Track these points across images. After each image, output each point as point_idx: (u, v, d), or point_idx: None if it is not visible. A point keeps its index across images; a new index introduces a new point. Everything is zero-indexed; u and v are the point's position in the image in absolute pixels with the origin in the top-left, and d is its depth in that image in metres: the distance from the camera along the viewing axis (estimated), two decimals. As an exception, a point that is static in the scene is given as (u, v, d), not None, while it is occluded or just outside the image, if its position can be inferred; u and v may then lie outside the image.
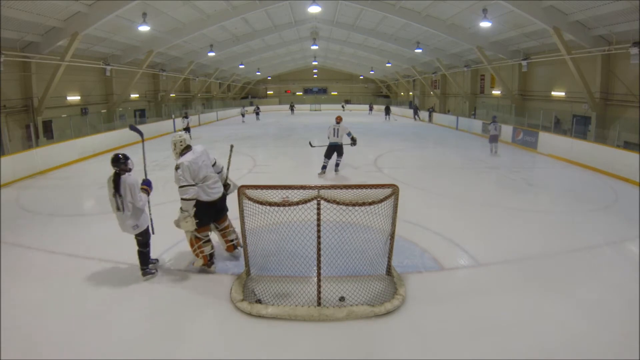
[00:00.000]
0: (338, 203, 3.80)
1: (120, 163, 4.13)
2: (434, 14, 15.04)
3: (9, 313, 3.58)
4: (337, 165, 9.23)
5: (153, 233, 4.44)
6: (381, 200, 3.82)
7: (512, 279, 4.30)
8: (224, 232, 4.62)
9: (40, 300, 3.84)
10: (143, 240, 4.31)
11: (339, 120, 9.29)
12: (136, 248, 4.29)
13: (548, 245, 5.19)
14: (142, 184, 4.27)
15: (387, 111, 28.95)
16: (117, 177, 4.10)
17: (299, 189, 3.70)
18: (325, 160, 8.96)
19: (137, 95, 21.04)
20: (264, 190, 3.74)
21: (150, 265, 4.43)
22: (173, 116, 20.82)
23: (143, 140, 4.91)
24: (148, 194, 4.30)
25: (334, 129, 8.95)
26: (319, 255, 3.72)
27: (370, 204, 3.85)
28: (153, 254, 4.55)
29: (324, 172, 8.88)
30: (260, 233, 4.08)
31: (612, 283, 4.18)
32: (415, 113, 28.02)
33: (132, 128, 5.00)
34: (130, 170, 4.19)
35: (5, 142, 10.86)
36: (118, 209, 4.14)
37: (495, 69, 17.95)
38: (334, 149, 8.94)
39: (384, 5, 14.84)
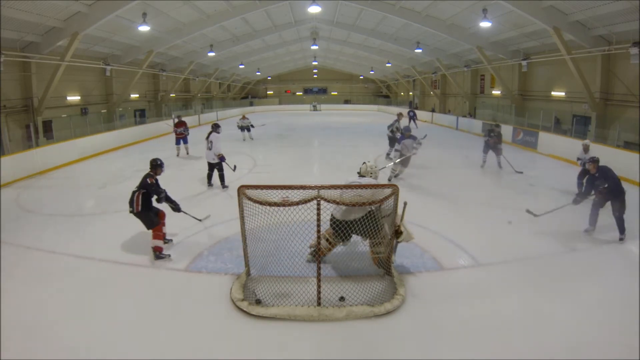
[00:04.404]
0: (338, 203, 3.81)
1: (217, 127, 8.13)
2: (434, 14, 15.03)
3: (9, 313, 3.58)
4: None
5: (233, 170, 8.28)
6: (381, 200, 3.82)
7: (512, 279, 4.30)
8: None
9: (40, 300, 3.85)
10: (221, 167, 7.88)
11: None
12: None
13: (548, 245, 5.19)
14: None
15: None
16: (210, 133, 7.90)
17: (299, 189, 3.71)
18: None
19: (137, 95, 21.04)
20: (264, 190, 3.74)
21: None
22: (173, 116, 20.80)
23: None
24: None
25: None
26: (318, 251, 3.73)
27: (370, 204, 3.85)
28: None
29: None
30: (260, 233, 4.08)
31: (612, 283, 4.18)
32: (413, 119, 21.69)
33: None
34: (219, 132, 8.00)
35: (5, 142, 10.86)
36: (209, 148, 7.78)
37: (495, 69, 17.95)
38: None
39: (384, 5, 14.84)
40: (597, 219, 5.64)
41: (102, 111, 17.32)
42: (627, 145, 10.72)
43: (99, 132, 14.17)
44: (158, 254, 4.76)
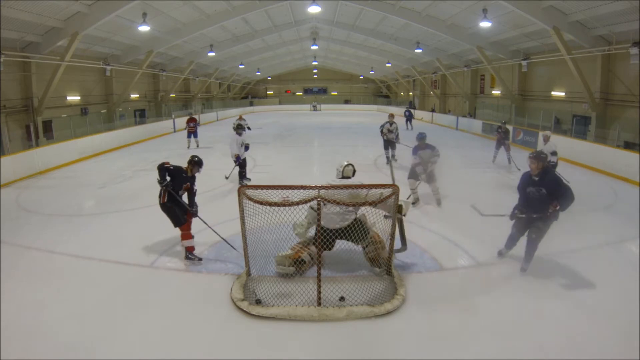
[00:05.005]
0: (338, 203, 3.81)
1: (240, 128, 8.71)
2: (434, 14, 15.03)
3: (9, 313, 3.58)
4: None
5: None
6: (381, 201, 3.82)
7: (512, 279, 4.29)
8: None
9: (40, 300, 3.84)
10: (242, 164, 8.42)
11: None
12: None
13: (548, 245, 5.17)
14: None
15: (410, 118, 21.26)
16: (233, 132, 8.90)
17: (299, 189, 3.71)
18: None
19: (137, 95, 21.04)
20: (264, 190, 3.74)
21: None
22: (173, 116, 20.83)
23: None
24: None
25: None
26: (319, 255, 3.72)
27: (370, 204, 3.85)
28: (155, 251, 4.55)
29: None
30: (260, 233, 4.08)
31: (612, 283, 4.18)
32: (409, 120, 21.18)
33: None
34: (240, 133, 8.47)
35: (5, 142, 10.86)
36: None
37: (495, 69, 17.95)
38: None
39: (384, 5, 14.84)
40: (516, 242, 4.50)
41: (102, 111, 17.33)
42: (627, 145, 10.73)
43: (99, 132, 14.18)
44: (188, 254, 4.61)
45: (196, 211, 4.80)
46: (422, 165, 6.83)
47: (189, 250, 4.64)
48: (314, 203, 3.94)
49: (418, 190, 7.01)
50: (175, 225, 4.64)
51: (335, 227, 4.14)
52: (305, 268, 4.29)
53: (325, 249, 4.18)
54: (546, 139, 7.63)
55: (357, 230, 4.16)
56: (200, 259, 4.67)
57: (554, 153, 7.50)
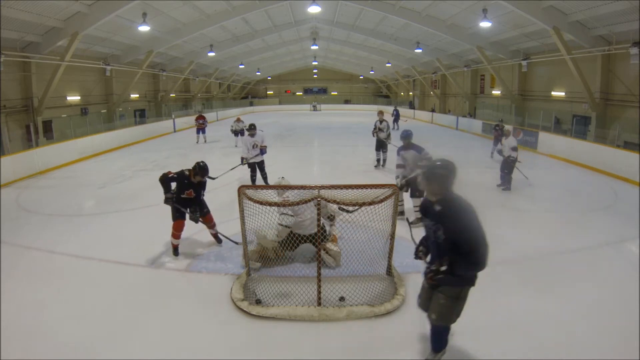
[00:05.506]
0: (338, 203, 3.81)
1: (250, 129, 7.88)
2: (434, 14, 15.04)
3: (9, 313, 3.58)
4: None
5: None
6: (381, 201, 3.81)
7: (511, 279, 4.29)
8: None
9: (40, 300, 3.84)
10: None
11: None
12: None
13: (548, 245, 5.18)
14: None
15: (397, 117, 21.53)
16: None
17: (299, 189, 3.72)
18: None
19: (137, 95, 21.04)
20: (264, 190, 3.74)
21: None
22: (173, 116, 20.83)
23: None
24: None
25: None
26: (319, 255, 3.72)
27: (370, 204, 3.85)
28: (155, 251, 4.55)
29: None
30: (260, 233, 4.08)
31: (612, 283, 4.18)
32: (396, 120, 21.07)
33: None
34: (252, 134, 7.72)
35: (5, 142, 10.86)
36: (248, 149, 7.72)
37: (495, 69, 17.95)
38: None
39: (384, 5, 14.84)
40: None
41: (102, 111, 17.33)
42: (627, 145, 10.73)
43: (99, 132, 14.18)
44: (173, 248, 4.87)
45: (196, 218, 4.84)
46: (405, 168, 5.84)
47: (173, 246, 4.84)
48: (283, 220, 4.28)
49: (405, 203, 5.95)
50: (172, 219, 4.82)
51: (307, 234, 4.31)
52: (270, 264, 4.41)
53: (290, 250, 4.38)
54: (507, 134, 8.02)
55: (321, 236, 4.32)
56: (176, 254, 4.80)
57: (514, 148, 7.77)
